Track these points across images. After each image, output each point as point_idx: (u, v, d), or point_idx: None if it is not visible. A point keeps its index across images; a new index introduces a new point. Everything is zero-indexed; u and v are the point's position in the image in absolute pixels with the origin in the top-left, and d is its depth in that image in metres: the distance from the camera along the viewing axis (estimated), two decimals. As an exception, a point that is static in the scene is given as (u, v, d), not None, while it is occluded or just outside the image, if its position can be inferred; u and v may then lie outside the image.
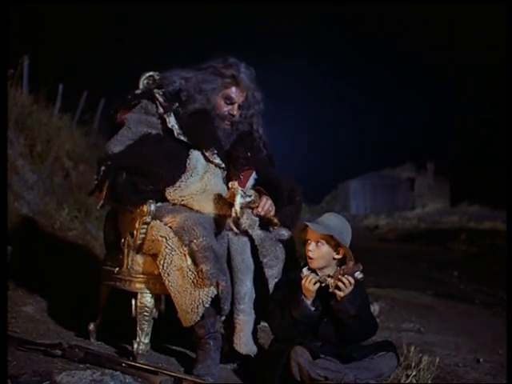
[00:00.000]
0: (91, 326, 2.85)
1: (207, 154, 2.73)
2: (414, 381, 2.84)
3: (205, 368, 2.50)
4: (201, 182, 2.69)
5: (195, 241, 2.46)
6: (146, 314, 2.62)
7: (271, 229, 2.72)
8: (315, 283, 2.45)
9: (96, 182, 2.67)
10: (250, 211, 2.65)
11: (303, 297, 2.46)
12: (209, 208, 2.66)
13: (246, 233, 2.68)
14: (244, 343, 2.65)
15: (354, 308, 2.45)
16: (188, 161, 2.69)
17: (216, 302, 2.48)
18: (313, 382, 2.36)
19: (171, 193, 2.65)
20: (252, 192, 2.62)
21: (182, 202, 2.66)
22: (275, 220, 2.70)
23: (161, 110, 2.76)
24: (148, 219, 2.59)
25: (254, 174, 2.83)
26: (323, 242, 2.50)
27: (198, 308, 2.45)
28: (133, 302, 2.65)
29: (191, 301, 2.45)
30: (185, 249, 2.48)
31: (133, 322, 2.64)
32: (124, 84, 3.21)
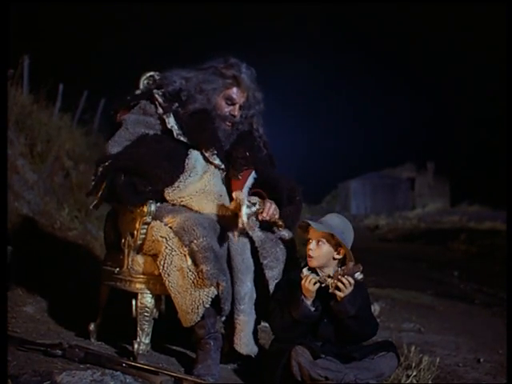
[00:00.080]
0: (91, 326, 2.85)
1: (207, 155, 2.73)
2: (415, 381, 2.84)
3: (205, 368, 2.50)
4: (200, 182, 2.69)
5: (195, 241, 2.46)
6: (146, 314, 2.62)
7: (275, 230, 2.72)
8: (315, 283, 2.45)
9: (94, 183, 2.67)
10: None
11: (303, 297, 2.46)
12: (208, 209, 2.66)
13: (246, 234, 2.68)
14: (244, 343, 2.65)
15: (354, 309, 2.45)
16: (187, 161, 2.69)
17: (216, 302, 2.48)
18: (313, 381, 2.36)
19: (170, 193, 2.65)
20: (256, 199, 2.61)
21: (182, 203, 2.66)
22: (280, 222, 2.69)
23: (160, 110, 2.75)
24: (148, 219, 2.59)
25: (253, 173, 2.82)
26: (324, 240, 2.51)
27: (198, 308, 2.45)
28: (133, 302, 2.65)
29: (191, 301, 2.45)
30: (185, 249, 2.48)
31: (133, 322, 2.64)
32: (124, 84, 3.21)
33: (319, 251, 2.51)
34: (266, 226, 2.70)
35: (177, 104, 2.75)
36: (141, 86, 2.94)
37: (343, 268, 2.46)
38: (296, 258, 2.76)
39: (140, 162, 2.56)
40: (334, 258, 2.53)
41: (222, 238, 2.63)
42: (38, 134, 6.09)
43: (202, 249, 2.45)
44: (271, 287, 2.65)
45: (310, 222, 2.53)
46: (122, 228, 2.76)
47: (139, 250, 2.66)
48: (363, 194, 38.81)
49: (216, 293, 2.45)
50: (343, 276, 2.42)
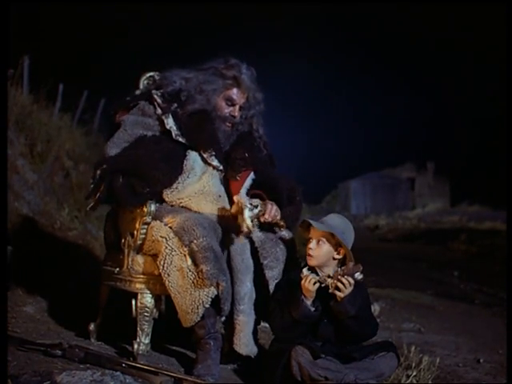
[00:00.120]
0: (91, 326, 2.85)
1: (205, 156, 2.72)
2: (415, 381, 2.84)
3: (205, 368, 2.50)
4: (198, 183, 2.69)
5: (195, 241, 2.46)
6: (146, 314, 2.62)
7: (276, 230, 2.72)
8: (315, 283, 2.45)
9: (92, 185, 2.67)
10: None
11: (303, 297, 2.46)
12: (207, 210, 2.66)
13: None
14: (244, 344, 2.65)
15: (354, 309, 2.45)
16: (185, 162, 2.69)
17: (216, 302, 2.47)
18: (313, 381, 2.36)
19: (169, 195, 2.65)
20: (257, 201, 2.61)
21: (181, 204, 2.66)
22: (281, 223, 2.70)
23: (159, 111, 2.74)
24: (148, 219, 2.59)
25: (251, 174, 2.82)
26: (324, 240, 2.51)
27: (198, 308, 2.45)
28: (133, 302, 2.65)
29: (191, 301, 2.45)
30: (185, 249, 2.48)
31: (133, 322, 2.64)
32: (124, 84, 3.21)
33: (319, 250, 2.51)
34: (266, 227, 2.70)
35: (176, 104, 2.75)
36: (141, 86, 2.94)
37: (343, 268, 2.46)
38: (296, 258, 2.76)
39: (138, 164, 2.55)
40: (334, 258, 2.53)
41: (222, 238, 2.64)
42: (38, 134, 6.09)
43: (201, 249, 2.45)
44: (271, 287, 2.65)
45: (311, 221, 2.53)
46: (122, 228, 2.76)
47: (139, 250, 2.66)
48: (363, 194, 38.81)
49: (216, 293, 2.45)
50: (343, 276, 2.42)
